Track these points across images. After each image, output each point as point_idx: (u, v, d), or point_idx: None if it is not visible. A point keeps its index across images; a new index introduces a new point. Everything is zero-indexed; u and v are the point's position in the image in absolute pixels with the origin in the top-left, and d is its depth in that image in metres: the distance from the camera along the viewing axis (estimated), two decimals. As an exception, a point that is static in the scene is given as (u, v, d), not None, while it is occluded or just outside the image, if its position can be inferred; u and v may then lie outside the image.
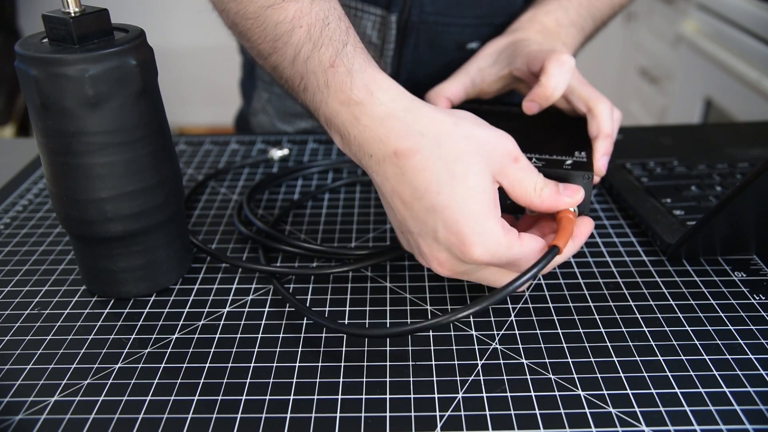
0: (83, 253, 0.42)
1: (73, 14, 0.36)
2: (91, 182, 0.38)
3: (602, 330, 0.40)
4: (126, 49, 0.37)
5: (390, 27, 0.65)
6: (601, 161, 0.46)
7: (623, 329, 0.40)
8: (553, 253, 0.37)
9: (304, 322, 0.41)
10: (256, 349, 0.39)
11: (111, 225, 0.40)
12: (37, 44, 0.37)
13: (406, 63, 0.67)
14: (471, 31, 0.66)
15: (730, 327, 0.40)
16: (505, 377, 0.36)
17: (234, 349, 0.39)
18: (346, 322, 0.41)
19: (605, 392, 0.35)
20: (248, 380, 0.36)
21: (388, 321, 0.41)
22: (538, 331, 0.40)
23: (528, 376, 0.36)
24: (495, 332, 0.40)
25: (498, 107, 0.58)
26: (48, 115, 0.36)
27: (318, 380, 0.36)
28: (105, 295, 0.44)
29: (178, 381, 0.36)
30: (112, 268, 0.42)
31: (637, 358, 0.37)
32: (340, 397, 0.35)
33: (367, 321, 0.41)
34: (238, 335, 0.40)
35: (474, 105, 0.58)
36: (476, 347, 0.39)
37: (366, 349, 0.39)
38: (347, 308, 0.42)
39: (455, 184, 0.36)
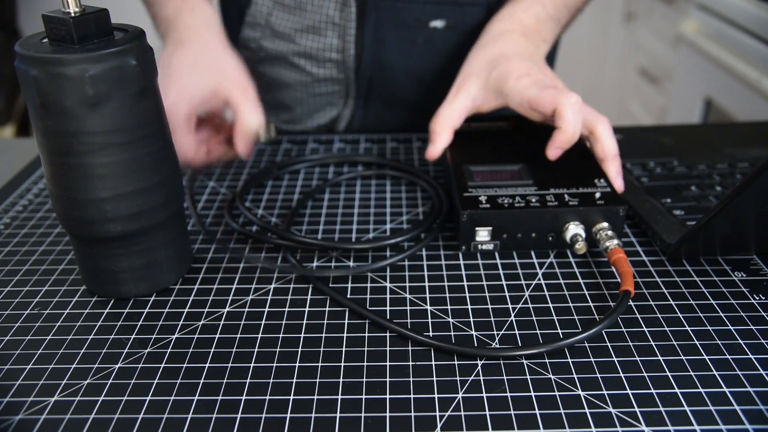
0: (83, 253, 0.42)
1: (73, 14, 0.36)
2: (91, 182, 0.38)
3: (602, 330, 0.40)
4: (126, 49, 0.37)
5: (350, 5, 0.65)
6: (618, 181, 0.49)
7: (623, 329, 0.40)
8: (627, 298, 0.41)
9: (304, 322, 0.41)
10: (256, 349, 0.39)
11: (111, 225, 0.40)
12: (38, 44, 0.37)
13: (369, 42, 0.67)
14: (432, 8, 0.66)
15: (730, 327, 0.40)
16: (505, 377, 0.36)
17: (234, 349, 0.39)
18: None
19: (605, 392, 0.35)
20: (248, 380, 0.36)
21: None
22: (538, 331, 0.40)
23: (528, 376, 0.36)
24: (495, 332, 0.40)
25: (488, 125, 0.58)
26: (48, 115, 0.36)
27: (318, 380, 0.36)
28: (105, 295, 0.44)
29: (178, 381, 0.36)
30: (112, 268, 0.42)
31: (637, 358, 0.37)
32: (340, 397, 0.35)
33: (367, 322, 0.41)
34: (238, 335, 0.40)
35: (463, 124, 0.58)
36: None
37: (366, 349, 0.39)
38: (347, 308, 0.42)
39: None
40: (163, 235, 0.42)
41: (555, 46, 0.77)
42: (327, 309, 0.42)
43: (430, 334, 0.40)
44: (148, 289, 0.43)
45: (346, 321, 0.41)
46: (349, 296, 0.43)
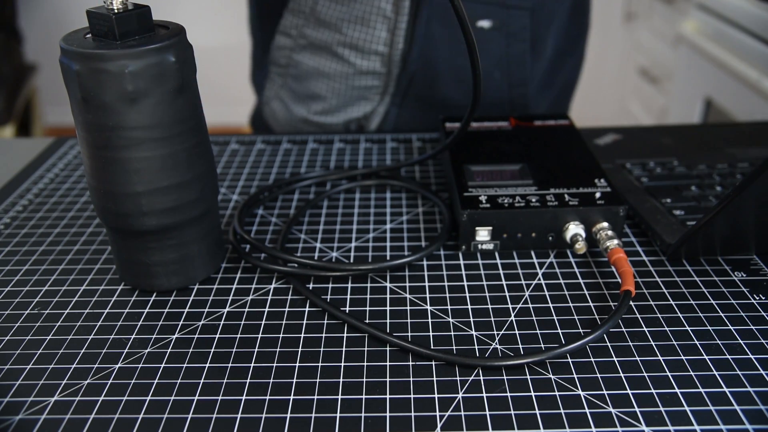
0: (118, 245, 0.43)
1: (116, 11, 0.37)
2: (127, 176, 0.39)
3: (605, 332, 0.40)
4: (165, 46, 0.37)
5: None
6: None
7: (623, 329, 0.40)
8: (628, 298, 0.40)
9: (304, 322, 0.41)
10: (256, 349, 0.39)
11: (146, 219, 0.40)
12: (81, 39, 0.38)
13: (419, 37, 0.67)
14: (481, 8, 0.66)
15: (730, 327, 0.40)
16: (505, 377, 0.36)
17: (234, 349, 0.39)
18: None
19: (605, 392, 0.35)
20: (248, 380, 0.36)
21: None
22: (538, 331, 0.40)
23: (528, 376, 0.36)
24: (495, 332, 0.40)
25: (488, 125, 0.58)
26: (88, 109, 0.37)
27: (318, 380, 0.36)
28: (138, 287, 0.44)
29: (178, 381, 0.36)
30: (146, 261, 0.42)
31: (637, 358, 0.37)
32: (340, 397, 0.35)
33: (367, 321, 0.41)
34: (238, 335, 0.40)
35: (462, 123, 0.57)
36: (476, 347, 0.39)
37: (366, 349, 0.39)
38: (347, 308, 0.42)
39: None
40: (196, 231, 0.43)
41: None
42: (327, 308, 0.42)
43: (431, 338, 0.40)
44: (180, 284, 0.44)
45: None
46: (348, 296, 0.43)
